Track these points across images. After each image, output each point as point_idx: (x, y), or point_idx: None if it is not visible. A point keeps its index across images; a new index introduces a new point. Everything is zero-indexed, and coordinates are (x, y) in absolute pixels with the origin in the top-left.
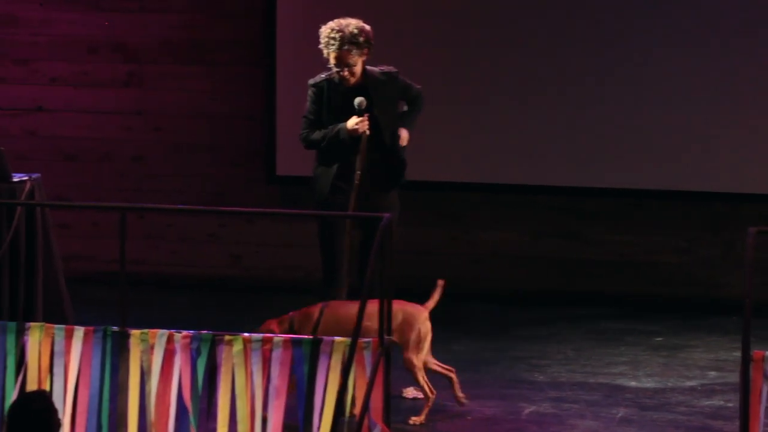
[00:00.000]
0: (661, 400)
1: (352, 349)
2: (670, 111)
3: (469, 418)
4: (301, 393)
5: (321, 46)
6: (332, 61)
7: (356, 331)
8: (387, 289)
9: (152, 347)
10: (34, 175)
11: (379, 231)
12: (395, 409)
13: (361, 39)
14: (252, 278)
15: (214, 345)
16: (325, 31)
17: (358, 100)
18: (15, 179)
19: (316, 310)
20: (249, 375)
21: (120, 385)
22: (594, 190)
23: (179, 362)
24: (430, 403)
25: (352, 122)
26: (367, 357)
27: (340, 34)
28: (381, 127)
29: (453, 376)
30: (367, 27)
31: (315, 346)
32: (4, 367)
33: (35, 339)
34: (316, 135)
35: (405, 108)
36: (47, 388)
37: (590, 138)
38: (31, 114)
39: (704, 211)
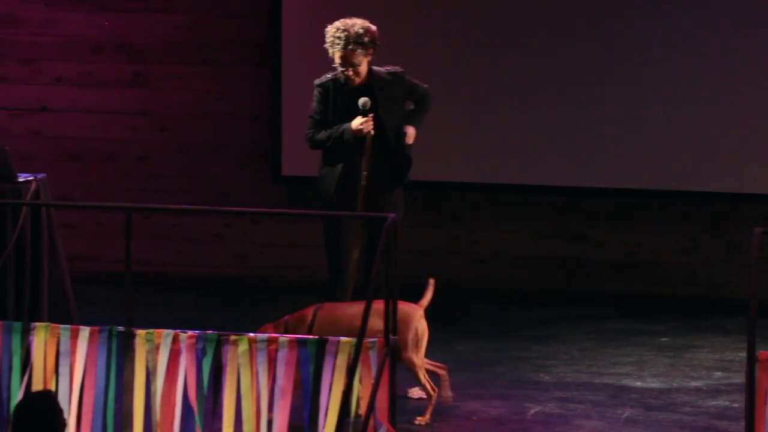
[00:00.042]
0: (666, 400)
1: (358, 349)
2: (671, 111)
3: (474, 418)
4: (306, 393)
5: (326, 45)
6: (337, 60)
7: (362, 331)
8: (392, 289)
9: (158, 347)
10: (40, 175)
11: (384, 231)
12: (400, 409)
13: (366, 39)
14: (257, 278)
15: (219, 345)
16: (330, 30)
17: (362, 100)
18: (20, 179)
19: (309, 313)
20: (254, 375)
21: (125, 385)
22: (596, 190)
23: (185, 362)
24: (433, 402)
25: (357, 122)
26: (373, 357)
27: (345, 33)
28: (386, 127)
29: (443, 373)
30: (373, 27)
31: (320, 346)
32: (10, 367)
33: (41, 339)
34: (322, 135)
35: (412, 108)
36: (53, 388)
37: (592, 138)
38: (36, 114)
39: (705, 211)
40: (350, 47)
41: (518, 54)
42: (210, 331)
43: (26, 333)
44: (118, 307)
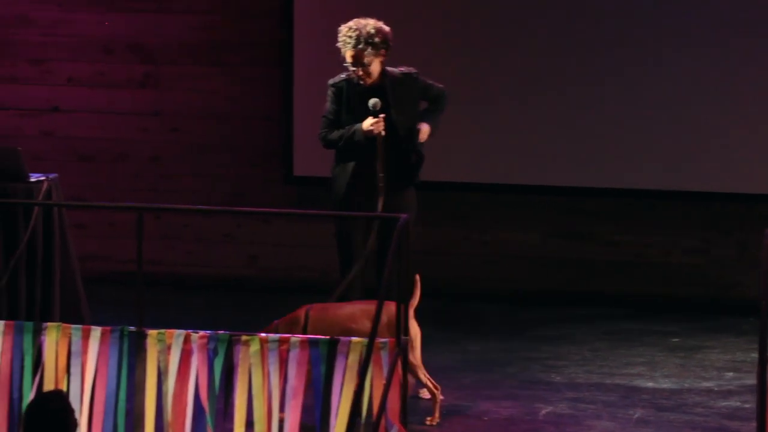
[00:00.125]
0: (677, 401)
1: (369, 349)
2: (684, 111)
3: (485, 418)
4: (318, 393)
5: (338, 44)
6: (348, 60)
7: (373, 331)
8: (404, 289)
9: (169, 347)
10: (51, 175)
11: (396, 231)
12: (412, 409)
13: (377, 39)
14: (268, 278)
15: (230, 345)
16: (343, 29)
17: (372, 101)
18: (32, 179)
19: (301, 314)
20: (266, 375)
21: (137, 385)
22: (608, 190)
23: (196, 362)
24: (438, 400)
25: (368, 123)
26: (384, 357)
27: (357, 33)
28: (397, 128)
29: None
30: (386, 28)
31: (332, 346)
32: (22, 367)
33: (52, 339)
34: (334, 135)
35: (426, 107)
36: (64, 388)
37: (605, 139)
38: (47, 114)
39: (716, 211)
40: (360, 46)
41: (520, 54)
42: (221, 332)
43: (38, 333)
44: (130, 307)
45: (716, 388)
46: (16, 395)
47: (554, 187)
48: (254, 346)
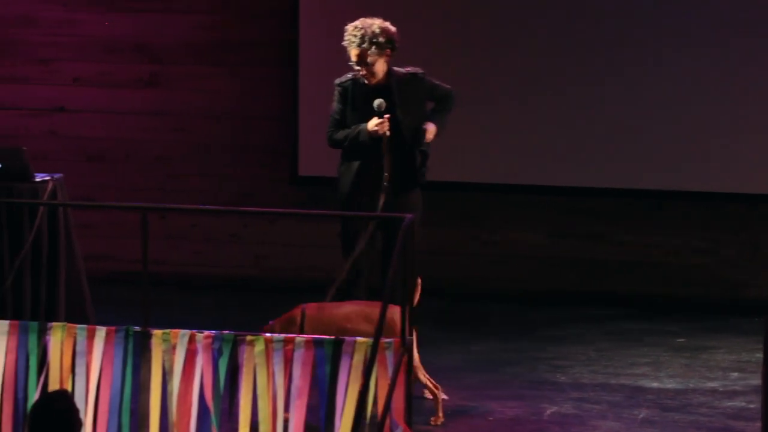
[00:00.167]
0: (682, 401)
1: (374, 349)
2: (693, 111)
3: (490, 418)
4: (322, 393)
5: (344, 43)
6: (353, 58)
7: (378, 331)
8: (411, 289)
9: (174, 347)
10: (57, 175)
11: (401, 232)
12: (417, 409)
13: (382, 39)
14: (275, 278)
15: (235, 345)
16: (349, 28)
17: (377, 102)
18: (37, 179)
19: (297, 314)
20: (271, 375)
21: (141, 385)
22: (614, 191)
23: (201, 362)
24: (440, 399)
25: (372, 124)
26: (389, 357)
27: (362, 32)
28: (402, 128)
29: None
30: (392, 28)
31: (337, 346)
32: (27, 367)
33: (57, 339)
34: (340, 135)
35: (433, 107)
36: (69, 387)
37: (611, 139)
38: (54, 114)
39: (725, 211)
40: (364, 45)
41: (524, 53)
42: (226, 332)
43: (43, 333)
44: (135, 307)
45: (721, 389)
46: (20, 395)
47: (561, 187)
48: (259, 346)
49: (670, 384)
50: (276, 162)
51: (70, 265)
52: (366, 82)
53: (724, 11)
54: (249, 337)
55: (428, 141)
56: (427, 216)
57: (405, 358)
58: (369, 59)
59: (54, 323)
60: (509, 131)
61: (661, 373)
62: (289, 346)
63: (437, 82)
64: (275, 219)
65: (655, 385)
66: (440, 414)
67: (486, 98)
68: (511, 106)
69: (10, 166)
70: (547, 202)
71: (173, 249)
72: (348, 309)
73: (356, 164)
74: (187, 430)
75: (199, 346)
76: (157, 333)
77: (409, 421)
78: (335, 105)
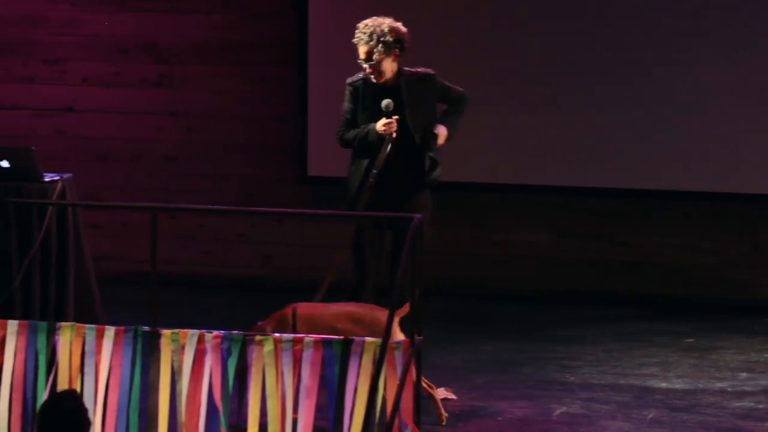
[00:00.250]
0: (691, 401)
1: (383, 349)
2: (695, 111)
3: (499, 419)
4: (331, 393)
5: (354, 40)
6: (361, 56)
7: (387, 331)
8: (417, 289)
9: (183, 347)
10: (66, 175)
11: (410, 232)
12: (426, 410)
13: (390, 38)
14: (283, 278)
15: (244, 345)
16: (360, 26)
17: (385, 102)
18: (46, 179)
19: (288, 313)
20: (280, 375)
21: (150, 385)
22: (621, 191)
23: (210, 362)
24: (438, 398)
25: (381, 124)
26: (398, 357)
27: (371, 29)
28: (411, 129)
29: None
30: (403, 29)
31: (346, 346)
32: (36, 367)
33: (66, 339)
34: (350, 134)
35: (445, 109)
36: (78, 387)
37: (617, 138)
38: (62, 114)
39: (731, 212)
40: (372, 43)
41: (525, 54)
42: (235, 331)
43: (52, 333)
44: (144, 307)
45: (730, 389)
46: (30, 395)
47: (566, 188)
48: (268, 346)
49: (679, 384)
50: (284, 162)
51: (80, 265)
52: (373, 80)
53: (725, 11)
54: (258, 337)
55: (440, 145)
56: (433, 216)
57: (413, 359)
58: (375, 57)
59: (63, 323)
60: (510, 131)
61: (670, 374)
62: (298, 346)
63: (450, 85)
64: (284, 219)
65: (663, 385)
66: (442, 412)
67: (488, 98)
68: (512, 107)
69: (20, 166)
70: (551, 202)
71: (182, 249)
72: (337, 309)
73: (365, 164)
74: (196, 430)
75: (208, 346)
76: (166, 333)
77: (417, 422)
78: (346, 104)
